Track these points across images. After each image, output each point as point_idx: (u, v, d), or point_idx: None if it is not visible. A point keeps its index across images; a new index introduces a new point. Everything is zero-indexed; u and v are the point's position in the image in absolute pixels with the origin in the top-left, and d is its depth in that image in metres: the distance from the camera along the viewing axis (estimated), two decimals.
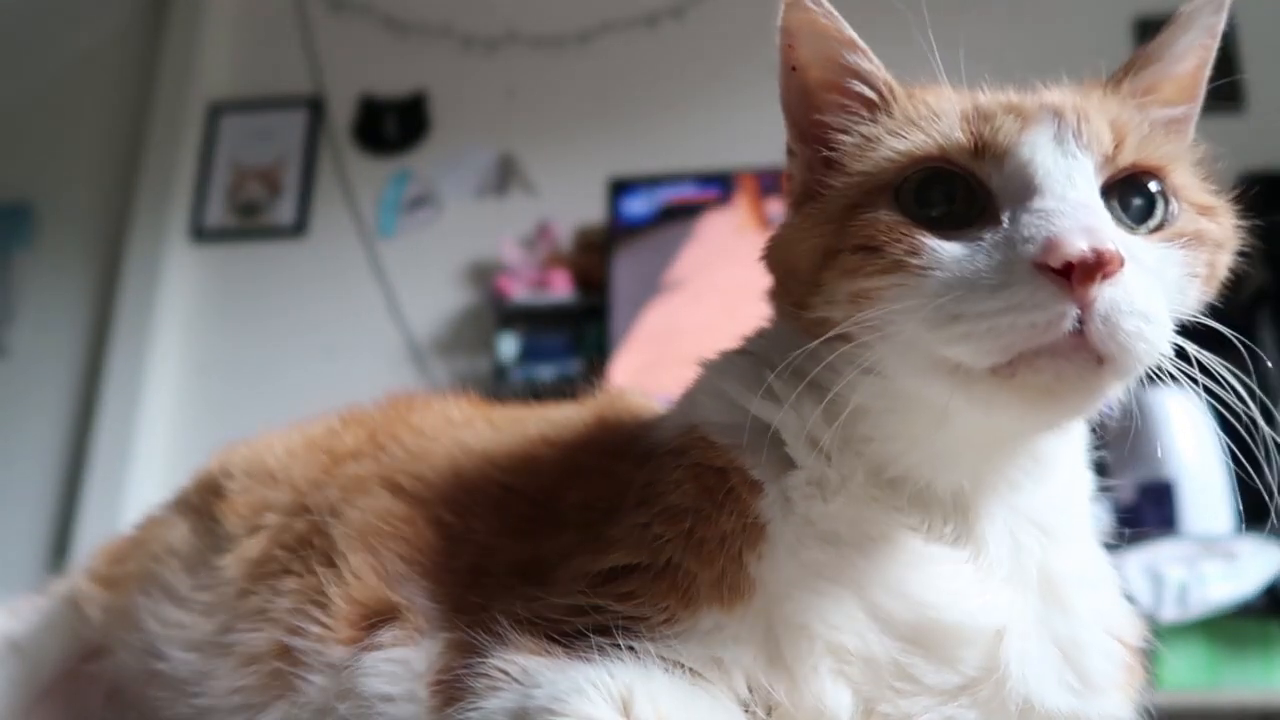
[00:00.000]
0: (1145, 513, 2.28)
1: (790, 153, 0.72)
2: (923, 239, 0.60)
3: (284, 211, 3.98)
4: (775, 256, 0.70)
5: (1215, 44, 0.69)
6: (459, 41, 3.98)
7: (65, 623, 0.95)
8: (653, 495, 0.66)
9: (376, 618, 0.70)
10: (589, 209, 3.54)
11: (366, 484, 0.80)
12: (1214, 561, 2.16)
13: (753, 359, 0.72)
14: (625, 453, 0.73)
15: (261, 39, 4.20)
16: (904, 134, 0.64)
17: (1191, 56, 0.69)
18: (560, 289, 3.50)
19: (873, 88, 0.67)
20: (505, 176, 3.84)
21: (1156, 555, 2.18)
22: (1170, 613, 2.11)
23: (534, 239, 3.68)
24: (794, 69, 0.69)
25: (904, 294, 0.59)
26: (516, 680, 0.58)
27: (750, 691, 0.60)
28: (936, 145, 0.62)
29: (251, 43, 4.22)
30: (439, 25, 4.00)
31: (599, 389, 0.87)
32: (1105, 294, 0.55)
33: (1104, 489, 0.74)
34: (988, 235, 0.59)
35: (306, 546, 0.77)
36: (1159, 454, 2.28)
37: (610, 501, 0.68)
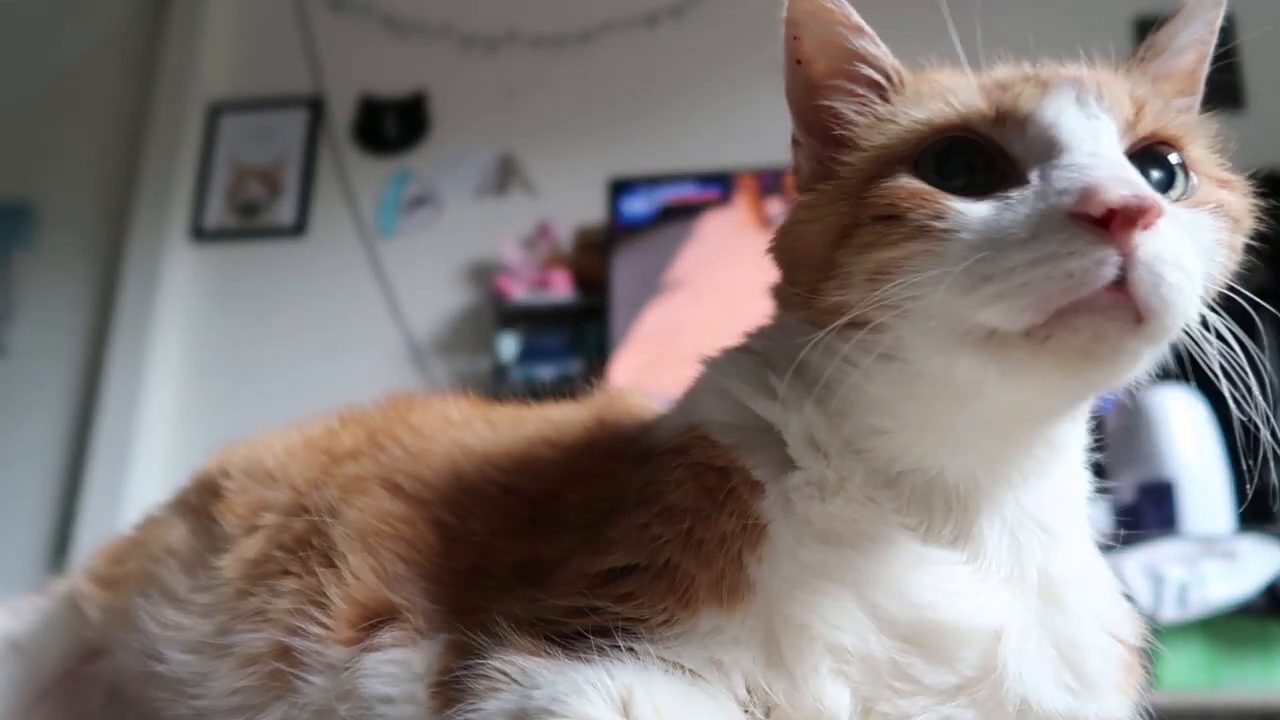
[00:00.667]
0: (1145, 513, 2.28)
1: (795, 144, 0.70)
2: (947, 202, 0.58)
3: (284, 211, 3.98)
4: (784, 244, 0.69)
5: (1214, 40, 0.69)
6: (459, 41, 3.98)
7: (65, 623, 0.95)
8: (652, 495, 0.65)
9: (376, 618, 0.69)
10: (589, 209, 3.54)
11: (366, 484, 0.80)
12: (1214, 561, 2.15)
13: (756, 357, 0.71)
14: (625, 454, 0.73)
15: (261, 39, 4.21)
16: (922, 106, 0.63)
17: (1191, 50, 0.69)
18: (560, 289, 3.50)
19: (880, 71, 0.67)
20: (505, 176, 3.84)
21: (1156, 555, 2.17)
22: (1170, 613, 2.11)
23: (534, 239, 3.68)
24: (799, 62, 0.68)
25: (929, 261, 0.57)
26: (516, 681, 0.58)
27: (749, 693, 0.60)
28: (957, 114, 0.62)
29: (251, 43, 4.22)
30: (439, 25, 4.00)
31: (598, 389, 0.87)
32: (1147, 242, 0.53)
33: (1102, 489, 0.73)
34: (1015, 194, 0.58)
35: (305, 547, 0.77)
36: (1159, 454, 2.28)
37: (610, 503, 0.68)
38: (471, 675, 0.60)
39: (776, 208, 3.29)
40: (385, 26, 4.06)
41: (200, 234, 3.99)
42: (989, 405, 0.62)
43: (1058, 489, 0.68)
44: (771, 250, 0.71)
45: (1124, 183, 0.54)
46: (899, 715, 0.60)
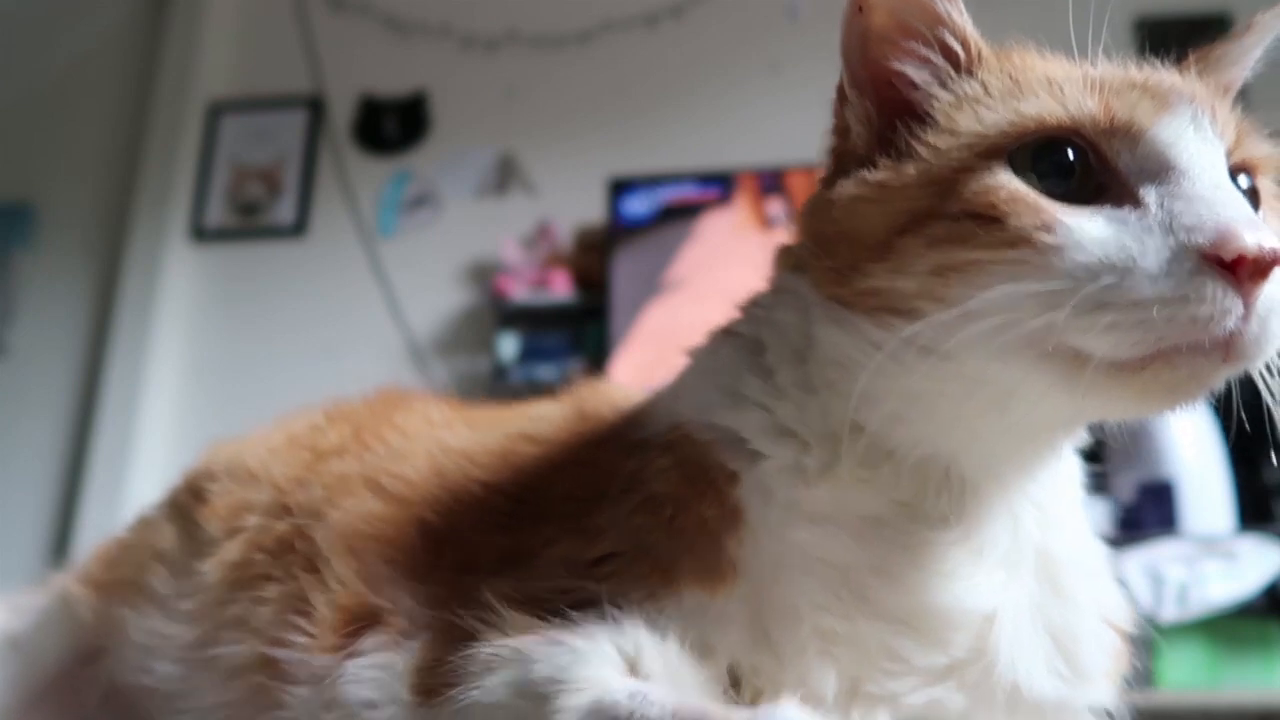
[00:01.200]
0: (1145, 513, 2.28)
1: (841, 98, 0.65)
2: (1056, 213, 0.54)
3: (284, 211, 3.97)
4: (831, 216, 0.62)
5: (1248, 69, 0.68)
6: (459, 41, 3.98)
7: (63, 623, 0.94)
8: (637, 485, 0.65)
9: (360, 623, 0.68)
10: (589, 209, 3.54)
11: (350, 484, 0.79)
12: (1214, 561, 2.15)
13: (740, 343, 0.70)
14: (609, 441, 0.72)
15: (261, 39, 4.20)
16: (1026, 98, 0.59)
17: (1240, 66, 0.68)
18: (560, 289, 3.49)
19: (961, 41, 0.62)
20: (505, 176, 3.84)
21: (1156, 555, 2.17)
22: (1170, 613, 2.11)
23: (534, 239, 3.67)
24: (860, 10, 0.62)
25: (1026, 273, 0.53)
26: (510, 660, 0.57)
27: (733, 672, 0.60)
28: (1068, 115, 0.57)
29: (251, 43, 4.22)
30: (439, 25, 4.00)
31: (575, 384, 0.86)
32: (1265, 292, 0.52)
33: (1100, 484, 0.73)
34: (1130, 215, 0.55)
35: (288, 550, 0.76)
36: (1159, 454, 2.27)
37: (594, 490, 0.67)
38: (461, 661, 0.59)
39: (776, 207, 3.29)
40: (385, 26, 4.05)
41: (200, 234, 3.98)
42: (1032, 413, 0.59)
43: (1058, 474, 0.68)
44: (806, 217, 0.66)
45: (1255, 226, 0.52)
46: (887, 696, 0.60)
